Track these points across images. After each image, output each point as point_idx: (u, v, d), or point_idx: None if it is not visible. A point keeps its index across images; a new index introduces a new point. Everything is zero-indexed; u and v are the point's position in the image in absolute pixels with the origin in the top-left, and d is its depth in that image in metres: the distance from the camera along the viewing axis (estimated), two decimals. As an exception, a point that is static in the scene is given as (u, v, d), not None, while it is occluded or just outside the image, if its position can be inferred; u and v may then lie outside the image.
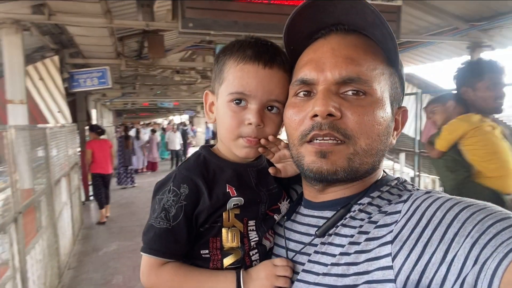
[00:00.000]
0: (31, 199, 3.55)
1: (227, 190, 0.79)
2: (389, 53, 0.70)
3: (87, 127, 9.94)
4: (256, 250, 0.81)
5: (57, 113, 6.75)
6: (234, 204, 0.79)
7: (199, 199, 0.76)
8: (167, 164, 15.96)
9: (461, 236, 0.53)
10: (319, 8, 0.70)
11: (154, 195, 0.80)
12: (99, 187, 7.57)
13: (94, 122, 11.50)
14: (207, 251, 0.79)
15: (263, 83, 0.75)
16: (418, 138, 6.71)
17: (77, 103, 9.48)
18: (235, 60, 0.78)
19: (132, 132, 15.11)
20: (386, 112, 0.69)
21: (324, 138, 0.67)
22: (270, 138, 0.84)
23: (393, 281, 0.57)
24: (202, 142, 22.51)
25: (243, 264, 0.79)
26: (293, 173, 0.87)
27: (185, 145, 16.39)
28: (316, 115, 0.67)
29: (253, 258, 0.81)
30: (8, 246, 2.83)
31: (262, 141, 0.81)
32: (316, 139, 0.68)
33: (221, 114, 0.80)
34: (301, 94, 0.73)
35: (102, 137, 7.81)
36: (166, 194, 0.76)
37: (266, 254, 0.83)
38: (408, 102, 9.27)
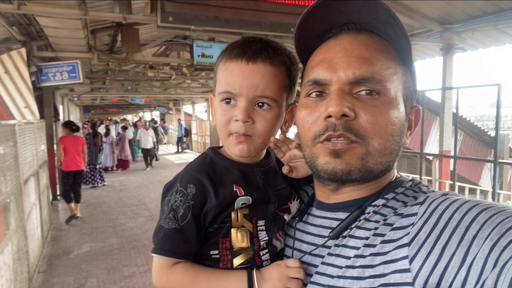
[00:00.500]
0: (-1, 200, 3.32)
1: (234, 189, 0.78)
2: (402, 52, 0.70)
3: (55, 123, 9.58)
4: (266, 250, 0.81)
5: (24, 109, 6.39)
6: (242, 204, 0.78)
7: (206, 199, 0.76)
8: (140, 162, 15.60)
9: (480, 239, 0.52)
10: (331, 8, 0.69)
11: (163, 197, 0.79)
12: (68, 183, 7.42)
13: (61, 118, 11.03)
14: (216, 252, 0.79)
15: (247, 79, 0.75)
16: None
17: (44, 98, 9.04)
18: (223, 60, 0.79)
19: (101, 129, 14.60)
20: (400, 111, 0.68)
21: (338, 139, 0.66)
22: (281, 137, 0.86)
23: (411, 284, 0.56)
24: (175, 140, 22.10)
25: (253, 264, 0.78)
26: (304, 174, 0.86)
27: (157, 143, 15.86)
28: (330, 116, 0.66)
29: (263, 258, 0.80)
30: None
31: (272, 139, 0.82)
32: (330, 140, 0.67)
33: (216, 115, 0.82)
34: (314, 94, 0.72)
35: (75, 134, 7.70)
36: (173, 195, 0.76)
37: (277, 255, 0.82)
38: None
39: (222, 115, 0.79)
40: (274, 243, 0.82)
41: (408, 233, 0.61)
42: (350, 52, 0.68)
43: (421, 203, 0.65)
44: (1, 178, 3.61)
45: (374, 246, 0.64)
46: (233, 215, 0.78)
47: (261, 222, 0.80)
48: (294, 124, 0.81)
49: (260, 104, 0.77)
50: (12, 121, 4.36)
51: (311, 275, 0.71)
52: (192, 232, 0.76)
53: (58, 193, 9.51)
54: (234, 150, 0.80)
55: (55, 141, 9.42)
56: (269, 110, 0.78)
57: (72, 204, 7.44)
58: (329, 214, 0.76)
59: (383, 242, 0.63)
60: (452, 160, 5.69)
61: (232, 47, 0.79)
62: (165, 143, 24.98)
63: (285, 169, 0.85)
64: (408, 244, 0.60)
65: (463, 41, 6.18)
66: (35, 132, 5.60)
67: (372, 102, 0.66)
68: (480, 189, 6.32)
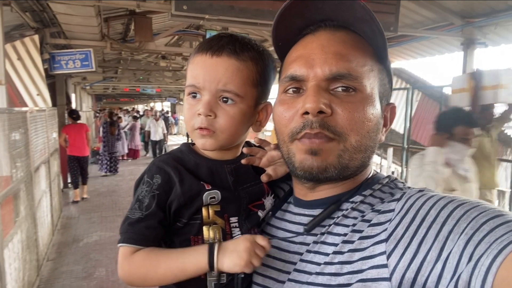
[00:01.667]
0: (9, 188, 3.29)
1: (201, 183, 0.78)
2: (378, 49, 0.70)
3: (67, 111, 9.61)
4: None
5: (36, 96, 6.39)
6: (211, 198, 0.78)
7: (171, 189, 0.76)
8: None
9: (456, 234, 0.53)
10: (308, 4, 0.69)
11: (134, 191, 0.80)
12: (74, 169, 7.92)
13: (73, 106, 11.05)
14: None
15: (210, 72, 0.75)
16: (407, 134, 6.70)
17: (56, 86, 9.04)
18: (192, 54, 0.80)
19: (125, 119, 14.59)
20: (375, 108, 0.69)
21: (316, 136, 0.67)
22: (255, 140, 0.89)
23: (388, 279, 0.57)
24: (185, 131, 22.13)
25: None
26: (283, 173, 0.87)
27: (167, 135, 15.38)
28: (306, 112, 0.66)
29: None
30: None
31: (245, 149, 0.86)
32: (306, 137, 0.68)
33: (183, 109, 0.83)
34: (291, 90, 0.72)
35: (79, 121, 8.17)
36: (140, 186, 0.77)
37: None
38: (397, 98, 9.27)
39: (188, 109, 0.79)
40: None
41: (385, 229, 0.62)
42: (327, 49, 0.68)
43: (398, 200, 0.66)
44: (12, 166, 3.58)
45: (352, 242, 0.65)
46: (204, 211, 0.77)
47: (233, 219, 0.80)
48: (272, 121, 0.80)
49: (224, 99, 0.76)
50: (23, 108, 4.32)
51: (289, 273, 0.70)
52: (155, 220, 0.75)
53: (69, 180, 9.56)
54: (198, 143, 0.81)
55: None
56: (233, 105, 0.77)
57: (78, 190, 7.94)
58: (306, 211, 0.76)
59: (361, 238, 0.64)
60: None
61: (201, 43, 0.80)
62: (175, 134, 25.03)
63: (264, 178, 0.85)
64: (386, 240, 0.60)
65: (484, 36, 5.96)
66: (46, 120, 5.58)
67: (349, 99, 0.67)
68: (497, 190, 6.12)
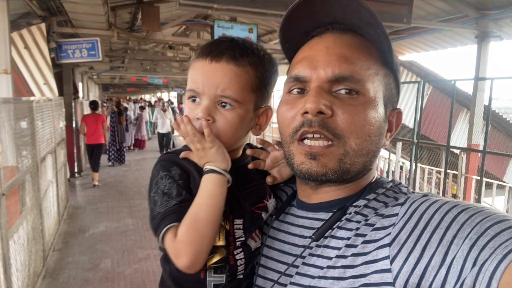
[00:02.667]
0: (15, 178, 3.26)
1: None
2: (384, 54, 0.70)
3: (74, 101, 9.62)
4: (240, 249, 0.80)
5: (43, 85, 6.35)
6: None
7: (189, 177, 0.77)
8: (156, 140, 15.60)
9: (460, 238, 0.53)
10: (315, 6, 0.69)
11: (149, 195, 0.76)
12: (91, 155, 8.68)
13: (80, 95, 11.04)
14: None
15: (209, 78, 0.76)
16: (417, 128, 6.58)
17: (63, 75, 9.01)
18: (193, 59, 0.81)
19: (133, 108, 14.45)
20: (378, 112, 0.69)
21: (314, 136, 0.67)
22: (257, 141, 0.89)
23: (392, 284, 0.57)
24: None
25: (227, 263, 0.78)
26: (289, 175, 0.87)
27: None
28: (306, 112, 0.67)
29: (237, 257, 0.79)
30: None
31: (248, 151, 0.86)
32: (306, 138, 0.68)
33: (185, 112, 0.83)
34: (295, 91, 0.72)
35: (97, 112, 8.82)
36: (160, 183, 0.74)
37: (252, 254, 0.82)
38: (407, 91, 9.11)
39: (188, 113, 0.79)
40: (248, 243, 0.82)
41: (389, 234, 0.62)
42: (331, 51, 0.68)
43: (402, 204, 0.65)
44: (18, 156, 3.55)
45: (355, 246, 0.65)
46: None
47: (238, 221, 0.80)
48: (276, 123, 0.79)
49: (223, 103, 0.77)
50: (29, 98, 4.28)
51: (291, 276, 0.70)
52: (191, 203, 0.72)
53: (76, 170, 9.61)
54: None
55: (73, 118, 9.51)
56: (231, 110, 0.77)
57: (97, 174, 8.64)
58: (310, 214, 0.76)
59: (364, 242, 0.64)
60: (479, 155, 5.41)
61: (203, 46, 0.80)
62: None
63: (269, 179, 0.85)
64: (389, 244, 0.60)
65: (500, 28, 5.80)
66: (53, 110, 5.54)
67: (350, 102, 0.66)
68: (509, 186, 6.00)
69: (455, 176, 6.35)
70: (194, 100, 0.79)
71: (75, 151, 9.59)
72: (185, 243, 0.69)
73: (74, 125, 9.50)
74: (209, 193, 0.73)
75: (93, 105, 8.91)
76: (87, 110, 10.86)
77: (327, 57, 0.68)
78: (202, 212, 0.71)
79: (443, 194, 6.28)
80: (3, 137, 3.04)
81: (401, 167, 7.72)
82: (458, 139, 9.77)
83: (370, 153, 0.70)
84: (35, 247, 3.90)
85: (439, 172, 7.42)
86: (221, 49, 0.77)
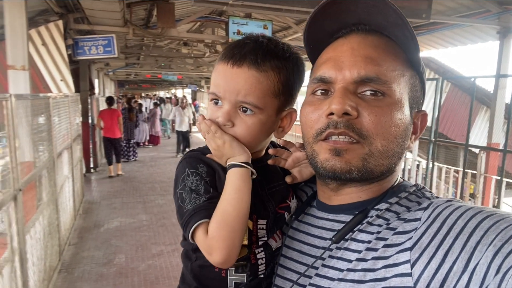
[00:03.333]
0: (32, 173, 3.30)
1: None
2: (411, 55, 0.70)
3: (90, 97, 9.77)
4: (262, 249, 0.80)
5: (60, 82, 6.42)
6: None
7: (215, 175, 0.77)
8: (172, 138, 15.67)
9: (484, 245, 0.52)
10: (341, 7, 0.69)
11: (175, 192, 0.76)
12: (108, 148, 9.23)
13: (96, 92, 11.17)
14: None
15: (230, 83, 0.75)
16: (434, 126, 6.44)
17: (80, 72, 9.12)
18: (217, 60, 0.80)
19: (146, 104, 14.38)
20: (404, 114, 0.68)
21: (339, 137, 0.67)
22: (280, 142, 0.90)
23: None
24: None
25: (248, 262, 0.78)
26: (309, 175, 0.87)
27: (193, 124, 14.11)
28: (332, 113, 0.66)
29: (258, 256, 0.80)
30: (7, 226, 2.60)
31: (270, 151, 0.86)
32: (331, 137, 0.67)
33: (207, 113, 0.84)
34: (319, 92, 0.72)
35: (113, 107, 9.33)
36: (187, 179, 0.74)
37: (273, 254, 0.82)
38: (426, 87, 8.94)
39: (210, 115, 0.80)
40: (269, 242, 0.82)
41: (410, 238, 0.62)
42: (357, 52, 0.68)
43: (425, 209, 0.65)
44: (34, 151, 3.59)
45: (376, 250, 0.64)
46: None
47: (262, 221, 0.79)
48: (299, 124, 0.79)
49: (244, 108, 0.76)
50: (46, 94, 4.33)
51: (310, 277, 0.70)
52: (218, 199, 0.73)
53: (91, 165, 9.75)
54: None
55: (89, 114, 9.65)
56: (252, 115, 0.76)
57: (112, 167, 9.12)
58: (330, 216, 0.76)
59: (385, 246, 0.64)
60: (499, 154, 5.26)
61: (226, 48, 0.79)
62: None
63: (288, 179, 0.86)
64: (411, 249, 0.60)
65: (523, 24, 5.61)
66: (69, 106, 5.61)
67: (376, 103, 0.66)
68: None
69: (473, 175, 6.19)
70: (216, 103, 0.79)
71: (91, 146, 9.75)
72: (217, 239, 0.69)
73: (90, 121, 9.65)
74: (234, 187, 0.73)
75: (109, 100, 9.38)
76: (102, 106, 11.00)
77: (352, 58, 0.68)
78: (230, 207, 0.71)
79: (461, 194, 6.14)
80: (20, 133, 3.07)
81: (418, 166, 7.57)
82: (477, 137, 9.55)
83: (395, 155, 0.69)
84: (51, 241, 3.95)
85: (457, 172, 7.26)
86: (244, 53, 0.75)
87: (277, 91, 0.77)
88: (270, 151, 0.86)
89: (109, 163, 9.22)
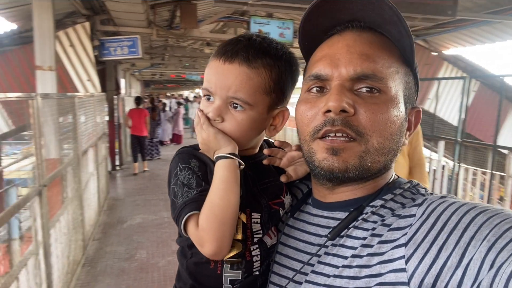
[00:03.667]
0: (56, 170, 3.43)
1: None
2: (405, 52, 0.70)
3: (117, 96, 10.04)
4: (257, 245, 0.80)
5: (87, 82, 6.63)
6: None
7: (207, 169, 0.77)
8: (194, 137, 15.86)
9: (478, 240, 0.53)
10: (336, 4, 0.69)
11: (168, 187, 0.78)
12: (135, 145, 9.55)
13: (123, 91, 11.45)
14: None
15: (221, 79, 0.76)
16: (461, 126, 6.25)
17: (106, 72, 9.38)
18: (211, 57, 0.81)
19: (170, 103, 14.57)
20: (400, 111, 0.68)
21: (337, 134, 0.66)
22: (276, 142, 0.91)
23: (407, 283, 0.57)
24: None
25: (243, 259, 0.79)
26: (304, 173, 0.87)
27: None
28: (329, 111, 0.66)
29: (253, 253, 0.80)
30: (32, 220, 2.71)
31: (265, 151, 0.86)
32: (328, 136, 0.67)
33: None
34: (314, 89, 0.72)
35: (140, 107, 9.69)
36: (179, 174, 0.75)
37: (268, 251, 0.82)
38: (451, 87, 8.67)
39: (203, 110, 0.80)
40: (264, 239, 0.82)
41: (405, 234, 0.62)
42: (352, 49, 0.68)
43: (419, 205, 0.65)
44: (60, 149, 3.73)
45: (371, 246, 0.65)
46: None
47: (256, 215, 0.80)
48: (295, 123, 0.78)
49: (234, 104, 0.77)
50: (71, 94, 4.48)
51: (306, 274, 0.71)
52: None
53: (117, 163, 10.00)
54: None
55: (115, 114, 9.91)
56: (242, 112, 0.77)
57: (136, 164, 9.48)
58: (326, 213, 0.76)
59: (380, 242, 0.64)
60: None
61: (220, 45, 0.80)
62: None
63: (283, 178, 0.86)
64: (405, 244, 0.60)
65: (557, 20, 5.37)
66: (95, 105, 5.78)
67: (372, 100, 0.66)
68: None
69: (502, 177, 5.97)
70: (208, 99, 0.79)
71: (116, 145, 10.02)
72: (207, 231, 0.70)
73: (116, 119, 9.92)
74: (221, 178, 0.73)
75: (137, 100, 9.77)
76: (128, 106, 11.27)
77: (348, 55, 0.68)
78: (217, 198, 0.71)
79: (489, 197, 5.93)
80: (46, 131, 3.19)
81: (443, 167, 7.36)
82: (507, 138, 9.18)
83: (391, 152, 0.69)
84: (75, 236, 4.09)
85: (485, 173, 7.02)
86: (236, 50, 0.76)
87: (268, 89, 0.78)
88: (265, 151, 0.86)
89: (135, 160, 9.52)
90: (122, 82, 12.30)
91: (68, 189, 3.90)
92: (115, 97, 10.05)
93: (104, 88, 8.57)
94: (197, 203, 0.72)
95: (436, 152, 7.44)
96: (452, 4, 4.70)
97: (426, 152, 8.02)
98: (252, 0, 4.18)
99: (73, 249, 3.91)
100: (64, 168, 3.74)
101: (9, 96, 2.61)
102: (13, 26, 6.10)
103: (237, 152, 0.76)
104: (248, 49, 0.76)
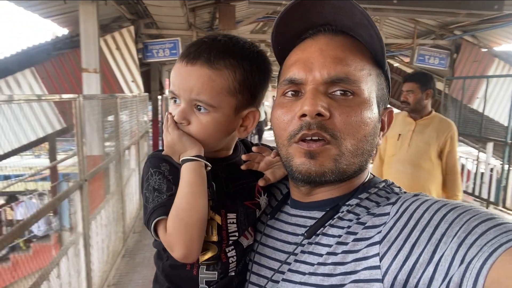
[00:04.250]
0: (97, 166, 3.67)
1: None
2: (376, 54, 0.71)
3: (161, 96, 10.46)
4: (232, 247, 0.80)
5: (131, 83, 6.99)
6: None
7: (178, 174, 0.75)
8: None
9: (448, 237, 0.54)
10: (308, 8, 0.70)
11: (143, 194, 0.77)
12: None
13: (167, 92, 11.90)
14: None
15: (183, 81, 0.76)
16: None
17: (151, 73, 9.79)
18: (177, 60, 0.81)
19: None
20: (373, 112, 0.70)
21: (313, 138, 0.68)
22: (254, 149, 0.90)
23: (381, 280, 0.58)
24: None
25: (219, 261, 0.79)
26: (282, 176, 0.87)
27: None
28: (304, 115, 0.67)
29: (229, 254, 0.80)
30: (73, 212, 2.94)
31: (243, 156, 0.86)
32: (305, 139, 0.68)
33: None
34: (289, 93, 0.73)
35: None
36: (150, 179, 0.76)
37: (244, 252, 0.82)
38: (504, 85, 8.15)
39: (171, 112, 0.81)
40: (240, 241, 0.82)
41: (380, 232, 0.63)
42: (325, 53, 0.69)
43: (393, 203, 0.67)
44: (102, 146, 3.99)
45: (346, 244, 0.66)
46: None
47: (231, 215, 0.79)
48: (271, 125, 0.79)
49: (198, 107, 0.76)
50: (113, 94, 4.76)
51: (283, 273, 0.71)
52: None
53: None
54: None
55: (159, 112, 10.31)
56: (206, 114, 0.76)
57: None
58: (304, 213, 0.77)
59: (355, 240, 0.65)
60: None
61: (185, 47, 0.80)
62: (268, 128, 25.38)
63: (261, 182, 0.86)
64: (380, 242, 0.62)
65: None
66: (137, 105, 6.08)
67: (346, 103, 0.68)
68: None
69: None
70: (175, 101, 0.79)
71: (160, 143, 10.44)
72: (174, 235, 0.70)
73: (160, 118, 10.33)
74: (187, 182, 0.72)
75: None
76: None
77: (321, 59, 0.69)
78: (183, 202, 0.71)
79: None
80: (88, 129, 3.44)
81: (491, 170, 6.96)
82: None
83: (365, 153, 0.71)
84: (116, 228, 4.35)
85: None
86: (199, 51, 0.75)
87: (233, 90, 0.77)
88: (243, 156, 0.86)
89: None
90: (167, 83, 12.79)
91: (110, 183, 4.16)
92: (159, 97, 10.46)
93: (148, 89, 8.96)
94: (165, 207, 0.71)
95: (484, 152, 7.05)
96: (499, -2, 4.45)
97: (474, 152, 7.60)
98: (285, 0, 4.20)
99: (113, 240, 4.17)
100: (106, 164, 3.99)
101: (53, 97, 2.84)
102: (65, 31, 6.58)
103: (203, 154, 0.76)
104: (211, 50, 0.75)
